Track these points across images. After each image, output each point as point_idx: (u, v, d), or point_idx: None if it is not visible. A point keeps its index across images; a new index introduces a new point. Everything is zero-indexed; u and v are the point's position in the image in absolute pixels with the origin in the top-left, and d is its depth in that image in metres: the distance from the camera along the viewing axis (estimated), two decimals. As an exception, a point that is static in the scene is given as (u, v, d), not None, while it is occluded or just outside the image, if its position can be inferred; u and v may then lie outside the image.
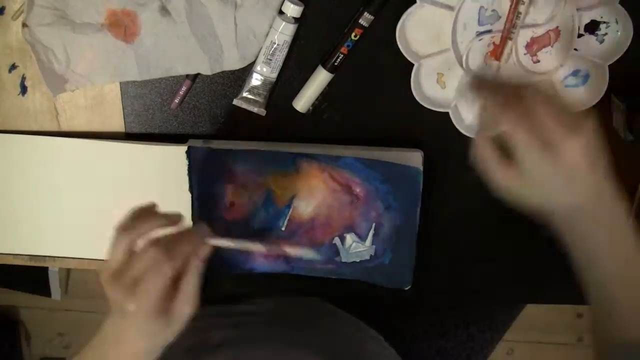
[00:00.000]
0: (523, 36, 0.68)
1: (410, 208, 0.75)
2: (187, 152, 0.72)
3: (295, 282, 0.81)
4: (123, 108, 0.75)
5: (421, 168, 0.73)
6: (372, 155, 0.73)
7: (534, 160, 0.48)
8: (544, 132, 0.47)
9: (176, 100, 0.73)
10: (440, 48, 0.69)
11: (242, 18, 0.67)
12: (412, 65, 0.69)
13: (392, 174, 0.73)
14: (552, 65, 0.70)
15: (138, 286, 0.52)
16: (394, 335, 0.96)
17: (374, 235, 0.76)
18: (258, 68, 0.70)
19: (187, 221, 0.75)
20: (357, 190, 0.74)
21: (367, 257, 0.77)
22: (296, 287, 0.80)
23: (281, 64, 0.70)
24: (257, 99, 0.72)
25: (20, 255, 0.81)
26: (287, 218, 0.75)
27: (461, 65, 0.69)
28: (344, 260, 0.77)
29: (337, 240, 0.77)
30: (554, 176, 0.48)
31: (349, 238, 0.76)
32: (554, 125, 0.48)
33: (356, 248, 0.77)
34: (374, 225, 0.76)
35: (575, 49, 0.69)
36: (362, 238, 0.76)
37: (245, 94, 0.72)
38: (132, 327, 0.54)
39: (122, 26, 0.67)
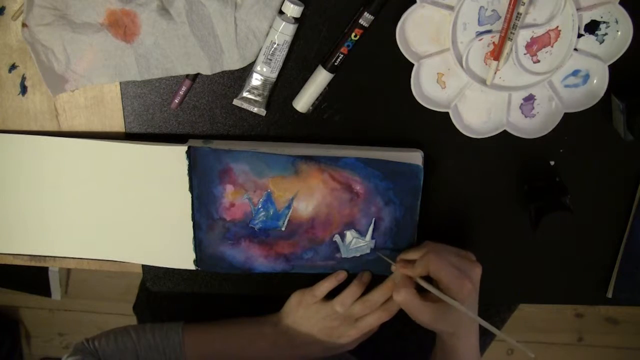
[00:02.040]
0: (523, 36, 0.68)
1: (410, 202, 0.75)
2: (187, 152, 0.72)
3: (296, 280, 0.81)
4: (123, 108, 0.75)
5: (422, 167, 0.73)
6: (372, 155, 0.73)
7: (456, 284, 0.68)
8: (456, 265, 0.69)
9: (176, 100, 0.73)
10: (440, 48, 0.69)
11: (242, 18, 0.67)
12: (412, 65, 0.69)
13: (393, 172, 0.73)
14: (552, 65, 0.70)
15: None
16: (392, 337, 0.96)
17: (374, 229, 0.76)
18: (258, 68, 0.70)
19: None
20: (357, 188, 0.74)
21: (368, 251, 0.78)
22: (296, 285, 0.80)
23: (281, 64, 0.70)
24: (257, 99, 0.72)
25: (20, 255, 0.81)
26: (287, 218, 0.76)
27: (461, 65, 0.69)
28: (344, 256, 0.78)
29: (337, 238, 0.77)
30: (467, 297, 0.69)
31: (349, 235, 0.77)
32: (458, 259, 0.70)
33: (356, 244, 0.77)
34: (374, 220, 0.76)
35: (575, 49, 0.69)
36: (362, 234, 0.77)
37: (245, 94, 0.72)
38: None
39: (121, 26, 0.67)
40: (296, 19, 0.68)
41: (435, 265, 0.69)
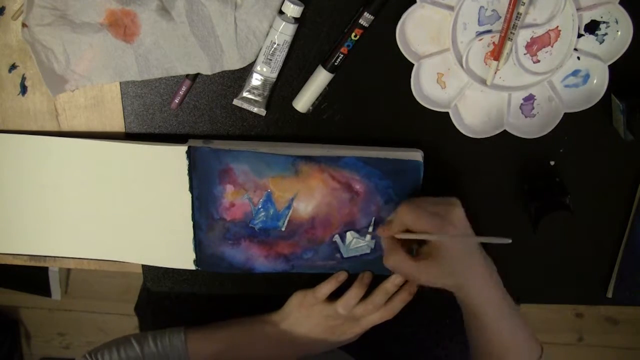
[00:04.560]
0: (523, 36, 0.68)
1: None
2: (187, 152, 0.72)
3: (296, 280, 0.81)
4: (123, 108, 0.75)
5: (422, 166, 0.73)
6: (372, 155, 0.73)
7: (439, 227, 0.65)
8: (434, 212, 0.66)
9: (176, 100, 0.73)
10: (440, 48, 0.69)
11: (242, 18, 0.67)
12: (412, 65, 0.69)
13: (392, 170, 0.73)
14: (552, 65, 0.70)
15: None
16: (393, 339, 0.96)
17: (374, 228, 0.76)
18: (258, 68, 0.70)
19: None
20: (357, 187, 0.74)
21: (368, 251, 0.78)
22: (296, 285, 0.80)
23: (281, 64, 0.70)
24: (257, 99, 0.72)
25: (20, 255, 0.81)
26: (287, 218, 0.75)
27: (461, 65, 0.69)
28: (345, 256, 0.78)
29: (337, 238, 0.77)
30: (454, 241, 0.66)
31: (350, 235, 0.77)
32: (435, 206, 0.67)
33: (357, 244, 0.77)
34: (373, 219, 0.76)
35: (575, 49, 0.69)
36: (362, 234, 0.77)
37: (245, 94, 0.72)
38: None
39: (121, 26, 0.67)
40: (296, 19, 0.68)
41: (410, 216, 0.66)
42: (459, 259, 0.66)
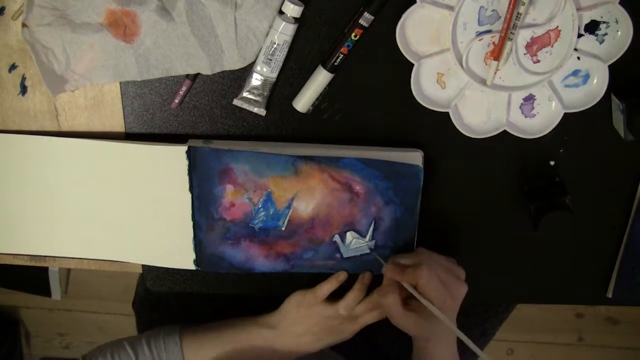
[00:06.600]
0: (523, 36, 0.68)
1: (410, 202, 0.75)
2: (187, 152, 0.72)
3: (296, 280, 0.81)
4: (123, 108, 0.75)
5: (422, 167, 0.73)
6: (372, 155, 0.73)
7: (439, 301, 0.70)
8: (444, 282, 0.71)
9: (176, 100, 0.73)
10: (440, 48, 0.69)
11: (242, 18, 0.67)
12: (412, 65, 0.69)
13: (393, 172, 0.73)
14: (552, 65, 0.70)
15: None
16: (391, 340, 0.96)
17: (374, 230, 0.76)
18: (258, 68, 0.70)
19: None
20: (357, 188, 0.74)
21: (367, 251, 0.78)
22: (296, 285, 0.80)
23: (281, 64, 0.70)
24: (257, 99, 0.72)
25: (20, 255, 0.81)
26: (287, 218, 0.76)
27: (461, 65, 0.69)
28: (345, 256, 0.78)
29: (337, 238, 0.77)
30: (447, 312, 0.70)
31: (350, 235, 0.77)
32: (447, 276, 0.71)
33: (357, 244, 0.77)
34: (374, 220, 0.76)
35: (575, 49, 0.69)
36: (362, 234, 0.77)
37: (245, 94, 0.72)
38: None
39: (121, 26, 0.67)
40: (296, 19, 0.68)
41: (424, 281, 0.69)
42: (439, 324, 0.71)
